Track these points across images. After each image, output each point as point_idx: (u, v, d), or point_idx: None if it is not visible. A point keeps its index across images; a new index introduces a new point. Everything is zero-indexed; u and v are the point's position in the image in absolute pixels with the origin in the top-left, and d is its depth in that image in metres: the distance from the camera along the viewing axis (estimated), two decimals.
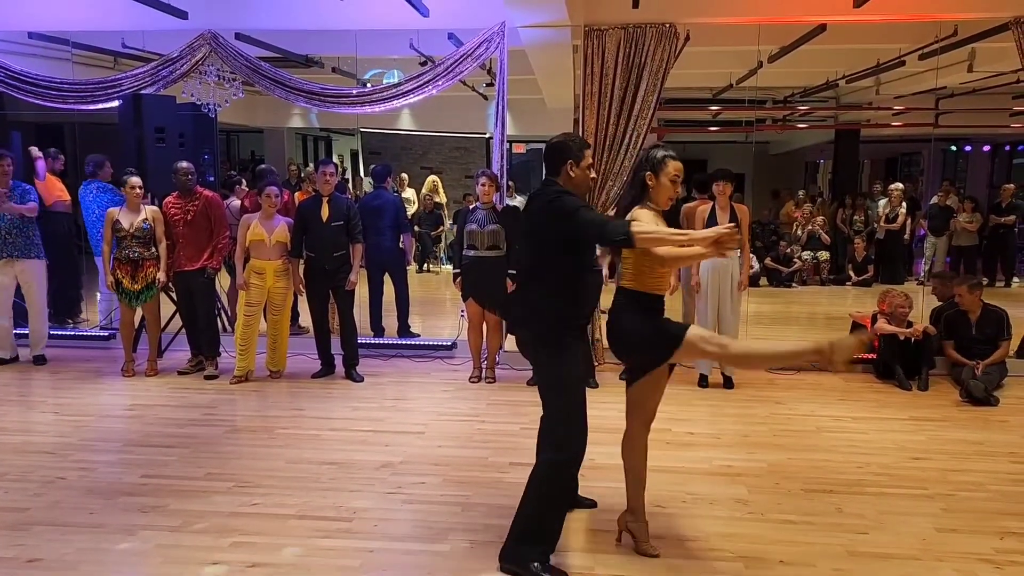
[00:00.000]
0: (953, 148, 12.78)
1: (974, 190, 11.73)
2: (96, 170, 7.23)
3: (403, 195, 10.42)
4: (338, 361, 6.43)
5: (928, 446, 4.88)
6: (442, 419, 5.33)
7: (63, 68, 7.40)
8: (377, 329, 7.33)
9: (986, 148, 12.47)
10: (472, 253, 6.07)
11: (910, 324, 6.39)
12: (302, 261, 6.27)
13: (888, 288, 6.85)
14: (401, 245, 7.45)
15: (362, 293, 6.77)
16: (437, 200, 12.02)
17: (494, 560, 3.33)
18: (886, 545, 3.53)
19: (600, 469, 4.20)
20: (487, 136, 7.25)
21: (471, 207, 6.24)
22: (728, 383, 6.13)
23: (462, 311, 6.54)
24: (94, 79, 7.03)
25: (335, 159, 14.75)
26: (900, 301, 6.39)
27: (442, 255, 12.14)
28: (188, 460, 4.51)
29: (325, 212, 6.08)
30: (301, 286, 6.28)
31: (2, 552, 3.40)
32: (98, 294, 7.52)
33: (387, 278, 7.41)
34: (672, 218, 6.34)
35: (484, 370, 6.30)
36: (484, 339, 6.27)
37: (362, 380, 6.24)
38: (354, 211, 6.23)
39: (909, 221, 10.85)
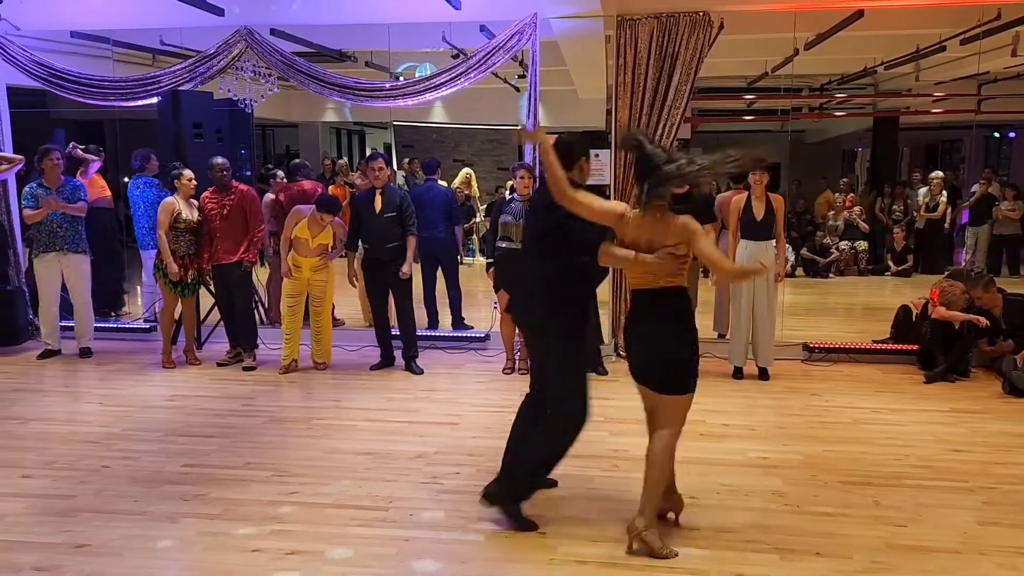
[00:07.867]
0: (996, 134, 12.46)
1: (1019, 177, 11.42)
2: (143, 164, 7.34)
3: None
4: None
5: (969, 439, 4.79)
6: (475, 410, 5.37)
7: (104, 66, 7.56)
8: (433, 321, 7.38)
9: None
10: (505, 245, 6.07)
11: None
12: (357, 254, 6.35)
13: (951, 282, 6.51)
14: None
15: (417, 284, 6.80)
16: (468, 193, 12.04)
17: (528, 550, 3.36)
18: (925, 538, 3.48)
19: (635, 460, 4.20)
20: (519, 128, 7.23)
21: (506, 198, 6.25)
22: (763, 374, 6.08)
23: (494, 303, 6.56)
24: (134, 76, 7.16)
25: (368, 152, 14.88)
26: (951, 289, 6.19)
27: (472, 247, 12.16)
28: (228, 450, 4.60)
29: (378, 204, 6.13)
30: (355, 279, 6.29)
31: (51, 538, 3.51)
32: (139, 287, 7.67)
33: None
34: (706, 210, 6.31)
35: (517, 361, 6.31)
36: (516, 330, 6.28)
37: (422, 372, 6.29)
38: (407, 203, 6.27)
39: (950, 210, 10.62)
